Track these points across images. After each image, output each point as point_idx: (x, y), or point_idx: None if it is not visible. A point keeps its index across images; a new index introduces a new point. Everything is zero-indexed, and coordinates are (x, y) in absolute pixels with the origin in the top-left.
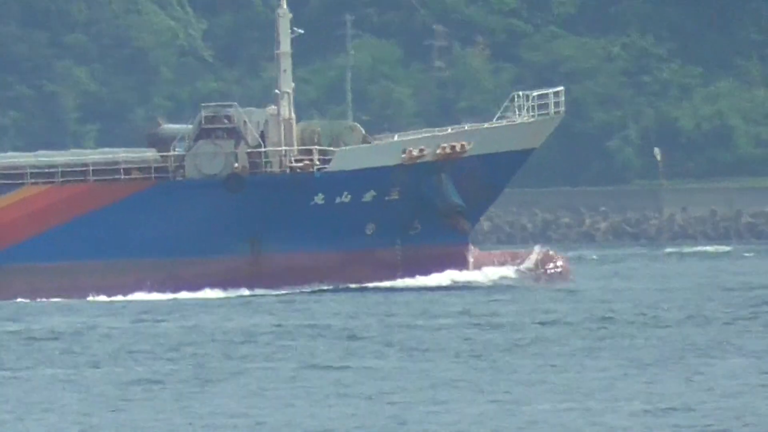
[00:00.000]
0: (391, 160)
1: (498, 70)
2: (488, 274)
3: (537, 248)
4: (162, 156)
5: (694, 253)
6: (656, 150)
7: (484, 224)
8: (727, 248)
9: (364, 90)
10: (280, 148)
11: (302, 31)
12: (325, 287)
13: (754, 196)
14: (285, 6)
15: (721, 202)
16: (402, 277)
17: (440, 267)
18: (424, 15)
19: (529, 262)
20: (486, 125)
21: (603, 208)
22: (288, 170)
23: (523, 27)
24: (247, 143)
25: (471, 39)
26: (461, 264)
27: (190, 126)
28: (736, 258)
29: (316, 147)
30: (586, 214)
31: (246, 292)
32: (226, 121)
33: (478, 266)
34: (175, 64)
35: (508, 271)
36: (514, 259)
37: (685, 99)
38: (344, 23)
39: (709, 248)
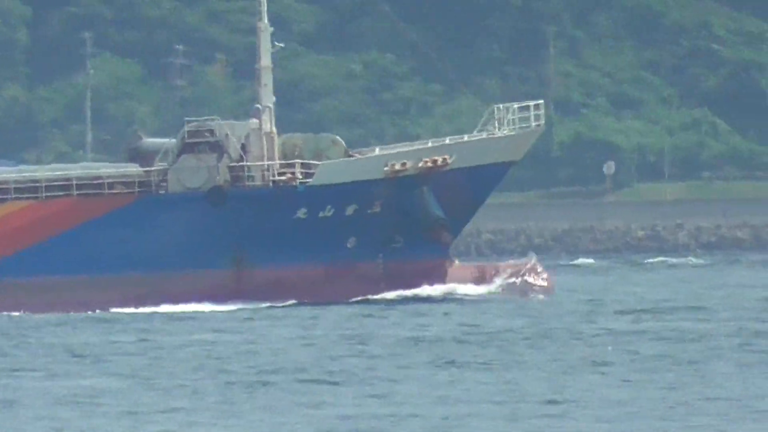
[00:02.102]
0: (373, 174)
1: (239, 88)
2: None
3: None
4: (145, 170)
5: None
6: None
7: None
8: None
9: (104, 109)
10: (262, 162)
11: (282, 45)
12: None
13: (494, 212)
14: (266, 20)
15: None
16: (384, 291)
17: (422, 280)
18: (165, 34)
19: (513, 274)
20: (467, 138)
21: None
22: (271, 184)
23: None
24: (229, 157)
25: (211, 57)
26: (443, 277)
27: (173, 140)
28: None
29: (299, 161)
30: None
31: (229, 306)
32: (208, 135)
33: (460, 280)
34: None
35: (495, 286)
36: (496, 272)
37: (426, 116)
38: (84, 41)
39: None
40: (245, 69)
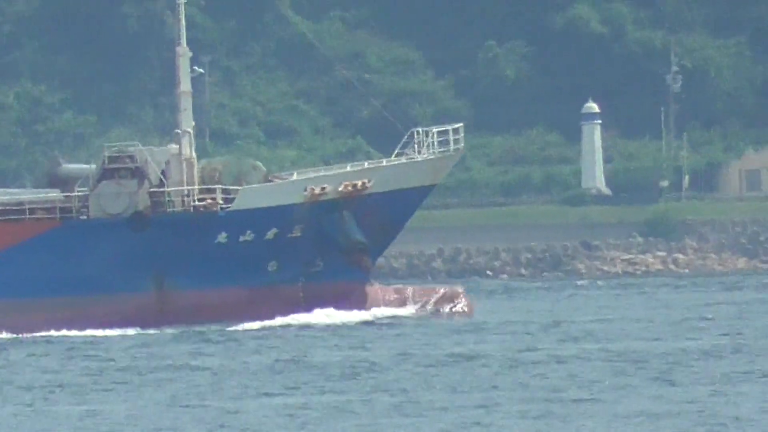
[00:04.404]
0: (293, 199)
1: None
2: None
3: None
4: (66, 196)
5: None
6: None
7: None
8: None
9: None
10: (182, 188)
11: (202, 71)
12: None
13: None
14: (185, 44)
15: None
16: (304, 313)
17: (342, 304)
18: None
19: (434, 299)
20: (386, 162)
21: None
22: (191, 209)
23: None
24: (150, 182)
25: None
26: (363, 301)
27: (92, 165)
28: None
29: (219, 186)
30: None
31: (152, 330)
32: (128, 160)
33: (377, 303)
34: None
35: (413, 309)
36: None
37: (81, 148)
38: None
39: None
40: None
